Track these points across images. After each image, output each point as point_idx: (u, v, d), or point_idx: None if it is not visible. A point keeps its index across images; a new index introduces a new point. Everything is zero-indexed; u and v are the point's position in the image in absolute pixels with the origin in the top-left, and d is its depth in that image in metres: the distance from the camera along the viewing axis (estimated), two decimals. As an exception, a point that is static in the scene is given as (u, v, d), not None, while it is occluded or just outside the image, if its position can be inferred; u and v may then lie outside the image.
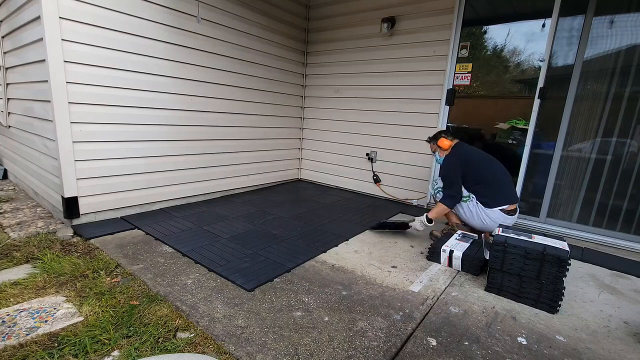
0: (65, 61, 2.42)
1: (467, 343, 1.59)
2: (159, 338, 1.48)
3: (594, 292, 2.17)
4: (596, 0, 2.78)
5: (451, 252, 2.31)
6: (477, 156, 2.71)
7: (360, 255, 2.48)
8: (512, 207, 2.55)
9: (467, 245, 2.40)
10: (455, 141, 2.81)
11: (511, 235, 2.03)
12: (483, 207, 2.55)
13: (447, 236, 2.57)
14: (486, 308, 1.90)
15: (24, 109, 3.09)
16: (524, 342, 1.62)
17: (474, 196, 2.60)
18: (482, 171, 2.63)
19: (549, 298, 1.88)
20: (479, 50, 3.49)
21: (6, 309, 1.64)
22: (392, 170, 4.06)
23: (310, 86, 4.67)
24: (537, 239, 1.99)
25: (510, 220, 2.55)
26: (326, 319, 1.70)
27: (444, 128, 2.93)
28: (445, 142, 2.75)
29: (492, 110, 3.59)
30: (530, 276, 1.91)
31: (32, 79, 2.76)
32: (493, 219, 2.54)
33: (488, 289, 2.07)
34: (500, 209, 2.52)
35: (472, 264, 2.25)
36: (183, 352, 1.41)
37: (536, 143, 3.18)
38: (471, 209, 2.60)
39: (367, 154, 4.22)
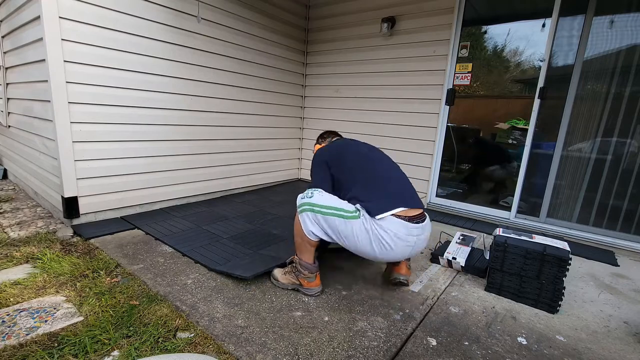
0: (65, 61, 2.41)
1: (467, 343, 1.59)
2: (158, 338, 1.48)
3: (594, 292, 2.17)
4: (596, 0, 2.78)
5: (453, 259, 2.31)
6: (357, 149, 1.97)
7: (360, 255, 2.48)
8: (411, 211, 1.70)
9: (468, 249, 2.40)
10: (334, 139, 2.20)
11: (512, 235, 2.03)
12: (375, 221, 1.65)
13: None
14: (486, 308, 1.90)
15: (23, 108, 3.09)
16: (524, 342, 1.62)
17: (364, 210, 1.68)
18: (361, 165, 1.85)
19: (549, 298, 1.88)
20: (479, 50, 3.49)
21: (6, 309, 1.64)
22: (392, 170, 4.05)
23: (310, 86, 4.67)
24: (538, 239, 1.99)
25: (415, 230, 1.68)
26: (326, 318, 1.70)
27: (330, 130, 2.32)
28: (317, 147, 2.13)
29: (492, 110, 3.59)
30: (530, 276, 1.91)
31: (32, 79, 2.76)
32: (392, 232, 1.63)
33: (488, 289, 2.07)
34: (393, 214, 1.64)
35: (476, 268, 2.26)
36: (183, 352, 1.41)
37: (536, 143, 3.18)
38: (366, 227, 1.65)
39: (367, 154, 4.21)
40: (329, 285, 2.03)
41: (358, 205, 1.69)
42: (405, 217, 1.66)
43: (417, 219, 1.70)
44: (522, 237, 1.99)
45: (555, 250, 1.84)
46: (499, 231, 2.09)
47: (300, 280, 1.90)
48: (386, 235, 1.63)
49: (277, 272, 2.01)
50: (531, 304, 1.94)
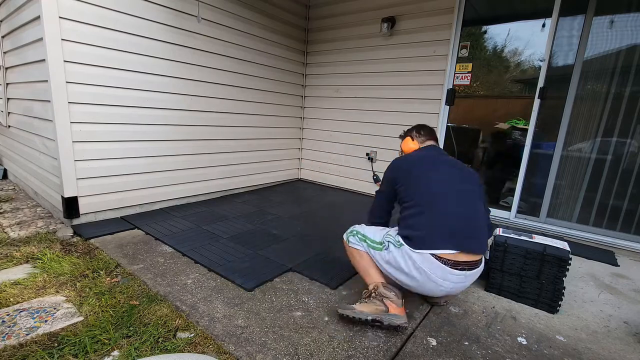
0: (65, 61, 2.42)
1: (467, 343, 1.59)
2: (158, 338, 1.48)
3: (594, 292, 2.17)
4: (596, 0, 2.78)
5: None
6: (427, 172, 1.73)
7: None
8: (462, 256, 1.53)
9: None
10: (427, 144, 1.95)
11: (512, 235, 2.03)
12: (408, 249, 1.54)
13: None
14: (486, 308, 1.90)
15: (23, 108, 3.09)
16: (524, 342, 1.62)
17: (399, 237, 1.61)
18: (425, 190, 1.65)
19: (549, 298, 1.88)
20: (479, 50, 3.49)
21: (6, 309, 1.64)
22: (392, 170, 4.06)
23: (310, 86, 4.67)
24: (538, 239, 1.99)
25: (455, 277, 1.54)
26: (326, 318, 1.70)
27: (426, 125, 2.05)
28: (410, 145, 1.96)
29: (492, 110, 3.60)
30: (530, 276, 1.91)
31: (32, 79, 2.76)
32: (422, 269, 1.53)
33: (488, 289, 2.07)
34: (431, 253, 1.51)
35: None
36: (183, 352, 1.41)
37: (536, 143, 3.18)
38: (397, 258, 1.59)
39: (367, 154, 4.22)
40: (329, 285, 2.02)
41: (392, 237, 1.65)
42: (449, 260, 1.51)
43: (464, 265, 1.53)
44: (522, 237, 1.99)
45: (555, 250, 1.84)
46: (499, 231, 2.09)
47: (387, 304, 1.61)
48: (416, 272, 1.56)
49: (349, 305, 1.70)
50: (531, 304, 1.94)
